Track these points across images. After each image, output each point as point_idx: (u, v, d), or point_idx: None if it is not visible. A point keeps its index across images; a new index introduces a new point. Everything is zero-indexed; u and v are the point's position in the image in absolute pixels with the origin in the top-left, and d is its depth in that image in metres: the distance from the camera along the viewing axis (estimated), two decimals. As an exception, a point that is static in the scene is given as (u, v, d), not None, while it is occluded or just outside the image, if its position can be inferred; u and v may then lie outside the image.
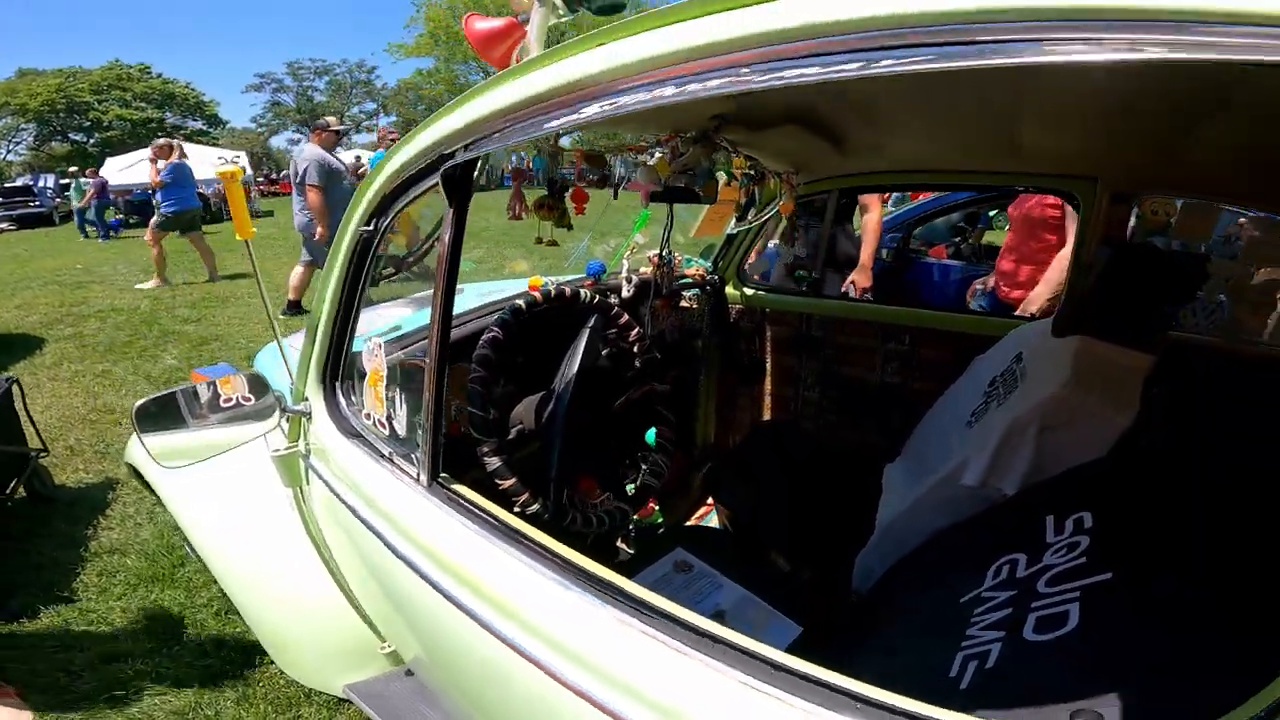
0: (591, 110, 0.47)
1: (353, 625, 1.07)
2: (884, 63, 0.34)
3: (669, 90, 0.43)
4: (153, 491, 1.22)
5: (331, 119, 4.27)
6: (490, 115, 0.56)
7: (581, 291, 1.03)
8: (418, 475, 0.70)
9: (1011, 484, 0.88)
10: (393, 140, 2.37)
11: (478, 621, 0.60)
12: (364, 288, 0.78)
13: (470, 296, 1.25)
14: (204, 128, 29.03)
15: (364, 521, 0.72)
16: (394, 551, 0.69)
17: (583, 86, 0.48)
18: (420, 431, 0.69)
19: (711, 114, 0.85)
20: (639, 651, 0.48)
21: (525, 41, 0.57)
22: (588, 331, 1.01)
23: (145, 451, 0.89)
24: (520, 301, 0.98)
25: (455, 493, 0.68)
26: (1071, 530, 0.70)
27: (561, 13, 0.58)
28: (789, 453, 1.53)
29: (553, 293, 0.99)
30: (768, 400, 1.58)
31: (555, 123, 0.50)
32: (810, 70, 0.37)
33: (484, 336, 0.90)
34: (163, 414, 0.90)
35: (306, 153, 3.84)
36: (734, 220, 1.37)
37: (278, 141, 34.76)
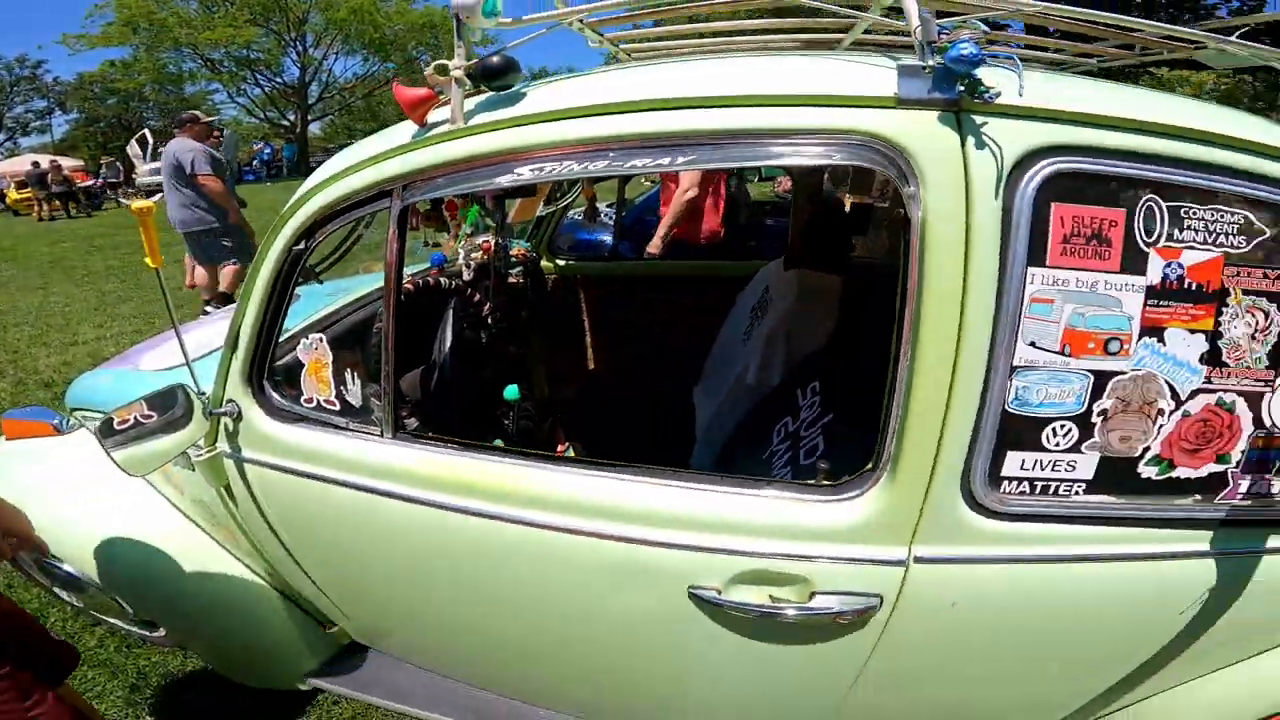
0: (525, 171, 0.91)
1: (292, 618, 1.28)
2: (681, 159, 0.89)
3: (573, 165, 0.90)
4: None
5: (198, 112, 4.79)
6: (435, 164, 0.94)
7: (443, 280, 1.39)
8: (381, 431, 1.03)
9: (776, 376, 1.62)
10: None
11: (466, 512, 0.99)
12: (290, 298, 1.02)
13: (315, 297, 1.46)
14: None
15: (337, 481, 1.01)
16: (372, 491, 1.01)
17: (515, 153, 0.91)
18: (378, 399, 1.02)
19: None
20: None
21: (449, 110, 0.94)
22: (451, 311, 1.40)
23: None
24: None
25: (416, 434, 1.04)
26: (810, 394, 1.43)
27: (469, 88, 0.97)
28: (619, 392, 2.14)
29: (422, 284, 1.34)
30: (590, 354, 2.16)
31: (494, 179, 0.92)
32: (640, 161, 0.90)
33: (376, 325, 1.22)
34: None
35: (184, 147, 4.12)
36: (543, 204, 1.85)
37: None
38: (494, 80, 0.97)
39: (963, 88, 0.80)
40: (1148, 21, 1.03)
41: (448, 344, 1.37)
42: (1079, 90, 0.88)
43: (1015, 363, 0.84)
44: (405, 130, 1.00)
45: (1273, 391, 0.86)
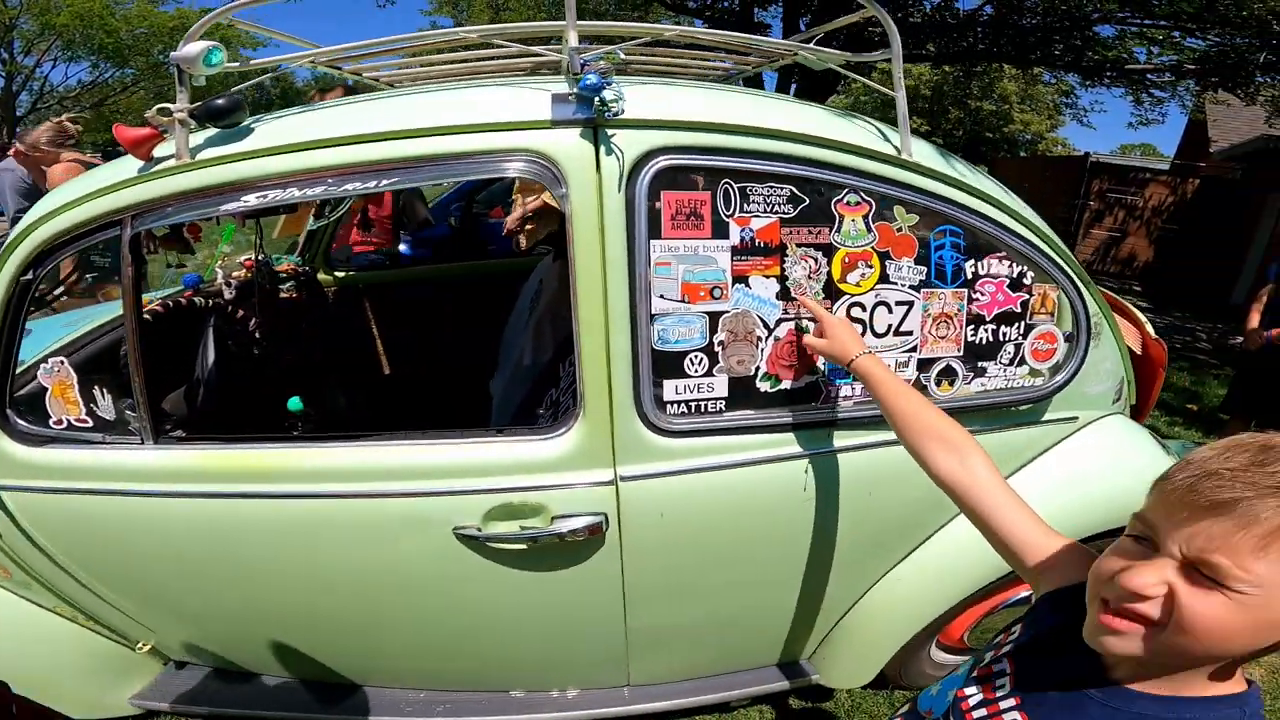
0: (250, 199, 1.22)
1: (93, 643, 1.45)
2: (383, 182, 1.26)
3: (294, 191, 1.23)
4: None
5: None
6: (163, 196, 1.22)
7: (196, 300, 1.63)
8: (142, 439, 1.27)
9: (546, 354, 2.03)
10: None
11: (239, 496, 1.27)
12: (22, 328, 1.23)
13: (51, 329, 1.63)
14: None
15: (102, 492, 1.23)
16: (142, 495, 1.25)
17: (240, 184, 1.22)
18: (133, 410, 1.26)
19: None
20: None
21: (175, 147, 1.22)
22: (211, 330, 1.65)
23: None
24: (144, 316, 1.53)
25: (180, 436, 1.30)
26: (568, 365, 1.84)
27: (193, 127, 1.25)
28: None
29: (173, 304, 1.57)
30: (384, 359, 2.45)
31: (221, 207, 1.22)
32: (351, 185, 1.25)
33: (124, 346, 1.45)
34: None
35: None
36: (313, 218, 2.13)
37: None
38: (219, 120, 1.28)
39: (595, 108, 1.24)
40: (754, 37, 1.56)
41: (210, 359, 1.61)
42: (685, 100, 1.33)
43: (653, 311, 1.30)
44: (134, 163, 1.27)
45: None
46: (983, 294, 1.47)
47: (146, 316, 1.55)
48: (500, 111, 1.27)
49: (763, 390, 1.38)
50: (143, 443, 1.29)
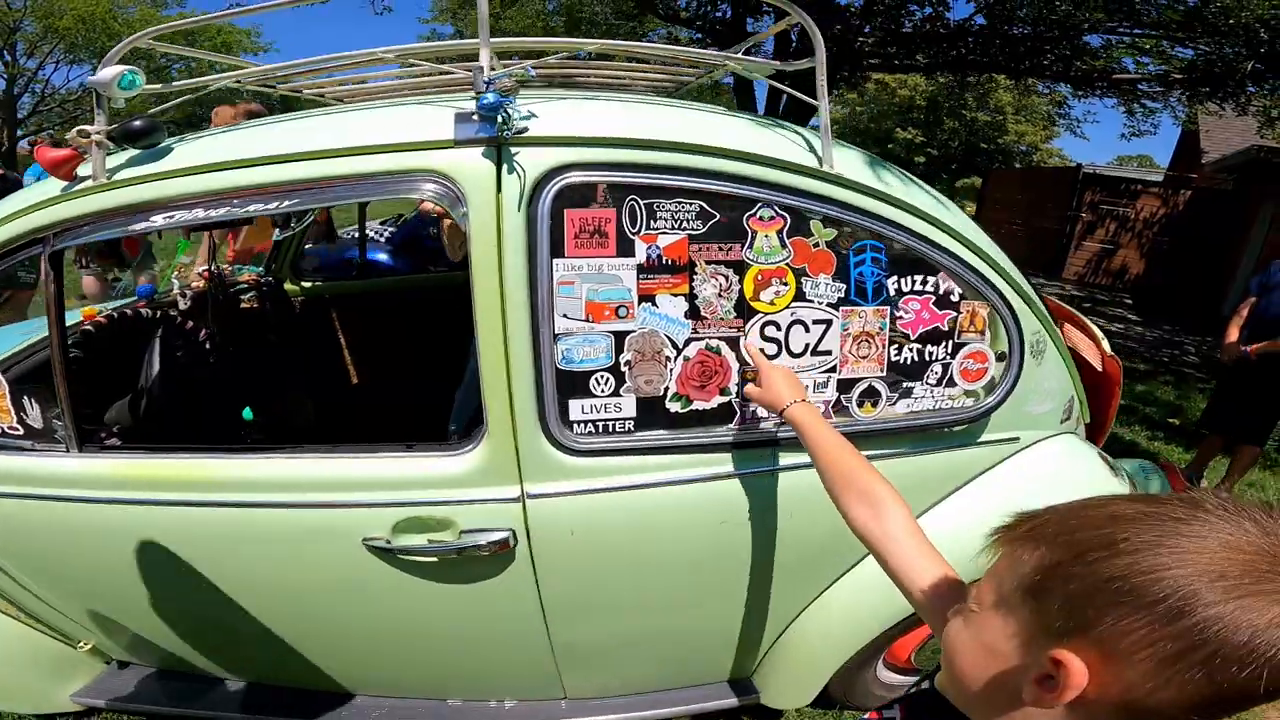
0: (158, 219, 1.25)
1: (40, 643, 1.51)
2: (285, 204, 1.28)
3: (199, 212, 1.26)
4: None
5: None
6: (81, 215, 1.26)
7: (142, 311, 1.69)
8: (67, 447, 1.32)
9: None
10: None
11: (157, 504, 1.31)
12: None
13: (14, 335, 1.70)
14: None
15: (30, 496, 1.29)
16: (66, 500, 1.30)
17: (153, 203, 1.26)
18: (59, 419, 1.32)
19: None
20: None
21: (93, 168, 1.26)
22: (158, 341, 1.70)
23: None
24: (88, 327, 1.59)
25: (102, 444, 1.34)
26: None
27: (111, 149, 1.29)
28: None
29: (115, 317, 1.63)
30: (352, 368, 2.50)
31: (136, 226, 1.26)
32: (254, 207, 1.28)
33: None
34: None
35: None
36: (278, 231, 2.18)
37: None
38: (136, 141, 1.31)
39: (497, 126, 1.24)
40: (683, 49, 1.55)
41: (155, 370, 1.66)
42: (595, 115, 1.35)
43: (556, 331, 1.30)
44: (56, 184, 1.32)
45: (744, 336, 1.37)
46: (907, 312, 1.44)
47: (90, 328, 1.61)
48: (407, 132, 1.29)
49: (673, 411, 1.38)
50: (67, 451, 1.34)
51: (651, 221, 1.32)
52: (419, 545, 1.35)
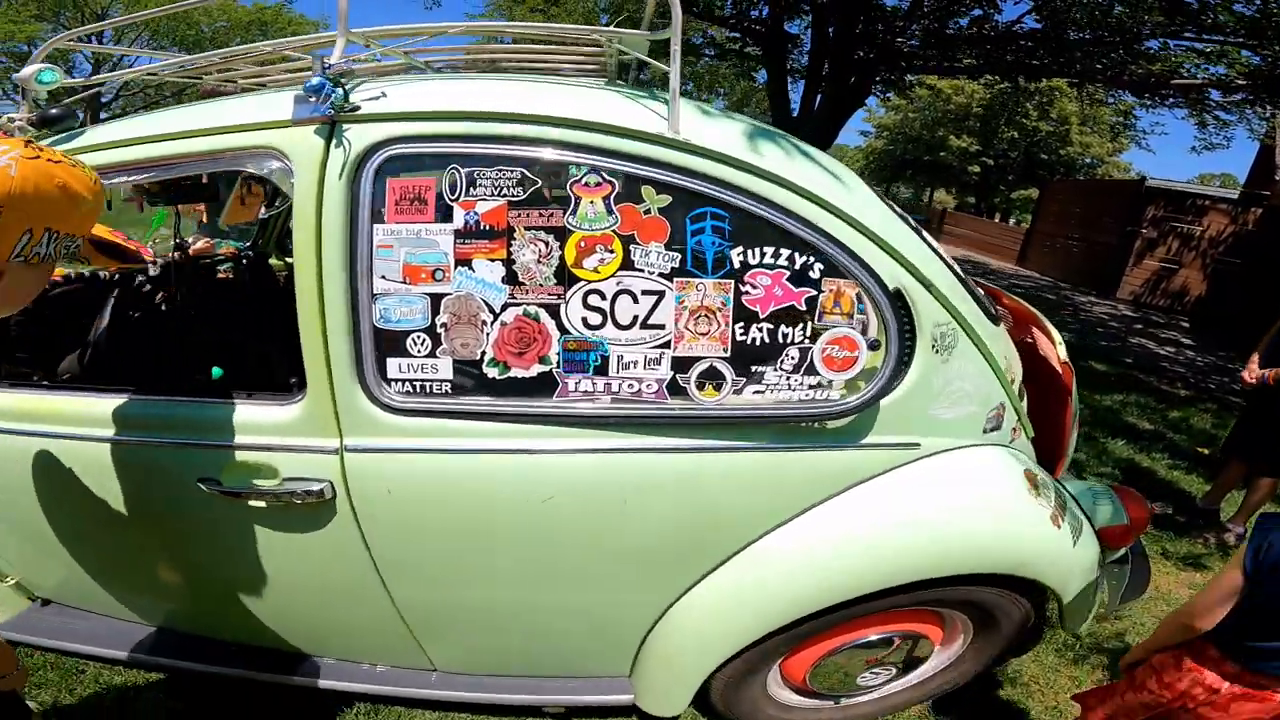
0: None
1: None
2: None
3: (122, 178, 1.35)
4: None
5: None
6: None
7: (101, 274, 1.84)
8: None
9: None
10: None
11: (33, 435, 1.40)
12: None
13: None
14: None
15: None
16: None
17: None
18: None
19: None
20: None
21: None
22: (111, 300, 1.84)
23: None
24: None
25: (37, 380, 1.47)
26: None
27: (32, 134, 1.43)
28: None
29: (71, 276, 1.79)
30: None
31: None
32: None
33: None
34: None
35: None
36: (265, 207, 2.33)
37: None
38: (52, 127, 1.44)
39: (330, 106, 1.25)
40: (560, 25, 1.49)
41: (104, 325, 1.80)
42: (428, 92, 1.28)
43: (375, 291, 1.28)
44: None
45: (565, 303, 1.29)
46: (755, 287, 1.30)
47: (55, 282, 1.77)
48: (259, 113, 1.30)
49: (491, 377, 1.31)
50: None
51: (471, 189, 1.24)
52: (244, 487, 1.32)
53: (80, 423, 1.39)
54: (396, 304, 1.27)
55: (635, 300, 1.27)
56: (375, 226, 1.24)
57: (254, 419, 1.34)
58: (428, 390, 1.31)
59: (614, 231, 1.25)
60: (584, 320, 1.28)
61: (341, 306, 1.26)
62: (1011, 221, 27.24)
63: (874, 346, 1.35)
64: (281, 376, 1.80)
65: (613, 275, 1.26)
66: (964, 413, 1.52)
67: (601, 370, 1.30)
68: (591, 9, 14.01)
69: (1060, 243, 13.96)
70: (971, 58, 8.51)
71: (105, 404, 1.39)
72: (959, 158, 25.66)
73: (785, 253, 1.29)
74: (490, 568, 1.45)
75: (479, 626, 1.58)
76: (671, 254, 1.26)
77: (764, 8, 9.35)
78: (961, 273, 1.68)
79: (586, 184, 1.24)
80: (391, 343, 1.28)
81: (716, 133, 1.31)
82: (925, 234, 1.60)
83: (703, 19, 10.44)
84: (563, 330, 1.28)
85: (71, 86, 1.48)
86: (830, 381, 1.36)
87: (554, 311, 1.27)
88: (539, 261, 1.26)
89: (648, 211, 1.25)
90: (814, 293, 1.31)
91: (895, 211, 1.49)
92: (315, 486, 1.32)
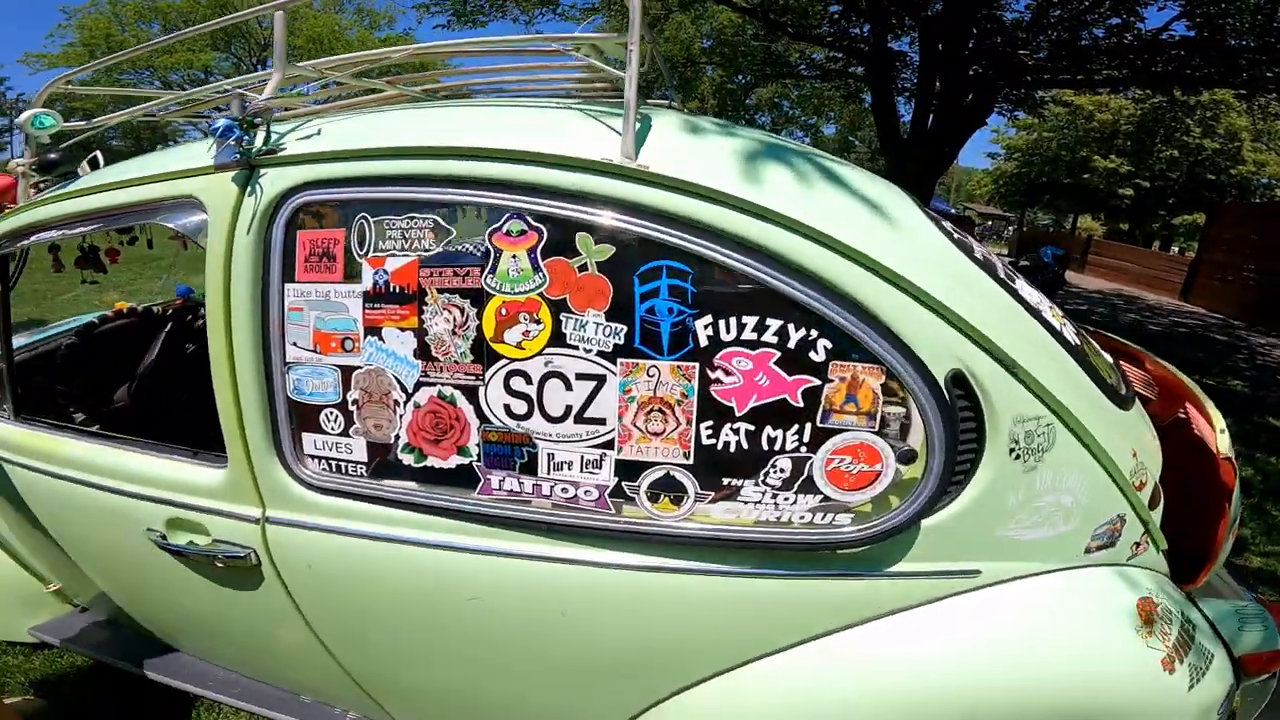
0: (53, 234, 1.36)
1: (16, 576, 1.84)
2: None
3: (65, 230, 1.34)
4: None
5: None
6: (7, 231, 1.44)
7: (154, 308, 1.91)
8: (9, 415, 1.53)
9: None
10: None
11: (36, 471, 1.43)
12: None
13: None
14: None
15: None
16: (11, 464, 1.51)
17: (43, 223, 1.38)
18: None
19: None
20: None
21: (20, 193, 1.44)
22: (163, 334, 1.90)
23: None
24: (94, 318, 1.84)
25: (39, 419, 1.53)
26: None
27: (34, 179, 1.46)
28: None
29: (125, 310, 1.87)
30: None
31: (20, 243, 1.38)
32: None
33: (64, 343, 1.75)
34: None
35: None
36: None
37: None
38: (51, 171, 1.45)
39: (237, 149, 1.09)
40: (522, 37, 1.21)
41: (151, 360, 1.86)
42: (343, 127, 1.08)
43: (288, 359, 1.10)
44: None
45: (484, 385, 1.01)
46: (729, 373, 0.94)
47: (94, 320, 1.86)
48: (183, 160, 1.19)
49: (406, 463, 1.08)
50: (8, 418, 1.53)
51: (381, 242, 0.99)
52: (181, 545, 1.23)
53: (63, 463, 1.38)
54: (308, 375, 1.09)
55: (568, 386, 0.98)
56: (287, 286, 1.07)
57: (191, 478, 1.24)
58: (343, 470, 1.12)
59: (541, 295, 0.96)
60: (506, 408, 1.00)
61: (253, 376, 1.10)
62: (1174, 250, 22.47)
63: (907, 460, 0.93)
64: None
65: (539, 353, 0.97)
66: (1055, 534, 1.04)
67: (529, 469, 1.02)
68: (693, 35, 13.50)
69: (1233, 275, 11.31)
70: (1112, 69, 7.04)
71: (77, 447, 1.37)
72: (1107, 180, 21.57)
73: (774, 324, 0.92)
74: (427, 653, 1.24)
75: (433, 701, 1.38)
76: (614, 326, 0.95)
77: (864, 25, 8.25)
78: (1078, 337, 1.17)
79: (508, 233, 0.96)
80: (306, 417, 1.11)
81: (698, 155, 0.97)
82: (1021, 283, 1.12)
83: (799, 39, 9.53)
84: (482, 418, 1.02)
85: (71, 130, 1.48)
86: (837, 501, 0.96)
87: (472, 394, 1.01)
88: (453, 333, 1.00)
89: (583, 268, 0.94)
90: (816, 382, 0.92)
91: (974, 252, 1.05)
92: (240, 552, 1.18)
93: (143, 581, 1.49)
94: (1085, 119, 21.65)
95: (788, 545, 0.97)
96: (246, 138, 1.05)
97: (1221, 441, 1.35)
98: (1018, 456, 0.99)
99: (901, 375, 0.91)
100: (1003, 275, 1.07)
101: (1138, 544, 1.15)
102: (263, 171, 1.07)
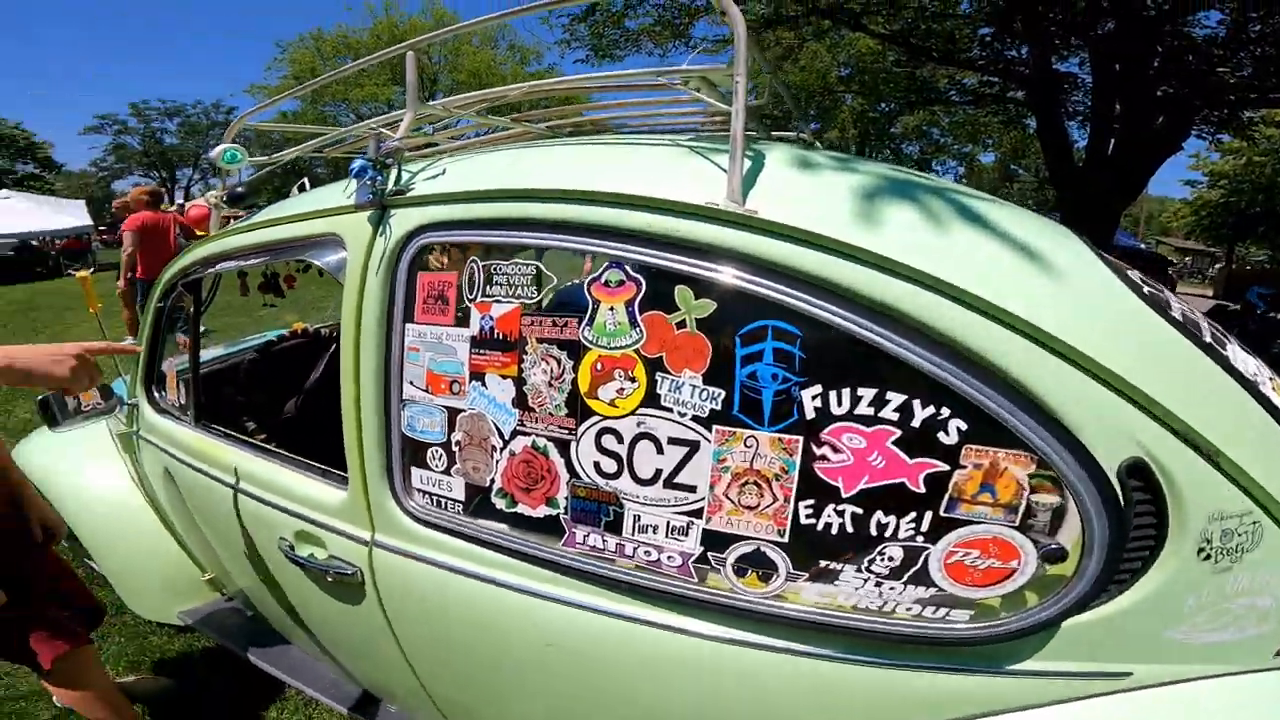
0: (230, 264, 1.55)
1: (178, 561, 2.08)
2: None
3: (238, 262, 1.51)
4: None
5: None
6: (191, 262, 1.65)
7: (324, 329, 2.13)
8: (190, 421, 1.76)
9: None
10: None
11: (196, 470, 1.62)
12: (163, 334, 1.86)
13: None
14: (36, 171, 31.81)
15: (164, 450, 1.77)
16: (176, 459, 1.74)
17: (221, 255, 1.57)
18: (186, 395, 1.75)
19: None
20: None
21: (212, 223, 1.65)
22: (328, 354, 2.10)
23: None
24: (272, 336, 2.08)
25: (213, 426, 1.74)
26: None
27: (225, 210, 1.67)
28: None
29: (298, 331, 2.10)
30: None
31: (229, 265, 1.58)
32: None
33: (246, 358, 1.99)
34: (48, 408, 1.98)
35: None
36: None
37: (123, 185, 40.49)
38: (238, 204, 1.65)
39: (372, 190, 1.15)
40: (613, 73, 1.17)
41: (315, 377, 2.06)
42: (464, 167, 1.12)
43: (404, 396, 1.14)
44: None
45: (576, 440, 0.98)
46: (838, 449, 0.84)
47: (272, 339, 2.09)
48: (331, 198, 1.29)
49: (499, 508, 1.08)
50: (189, 423, 1.75)
51: (488, 287, 1.01)
52: (303, 557, 1.32)
53: (224, 468, 1.53)
54: (420, 413, 1.13)
55: (659, 449, 0.92)
56: (407, 326, 1.11)
57: (318, 495, 1.33)
58: (444, 506, 1.14)
59: (637, 352, 0.92)
60: (596, 465, 0.97)
61: (374, 408, 1.16)
62: None
63: (1054, 559, 0.78)
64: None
65: (633, 412, 0.93)
66: (1243, 636, 0.83)
67: (614, 527, 0.98)
68: (829, 64, 12.80)
69: None
70: None
71: (236, 455, 1.52)
72: None
73: (896, 398, 0.80)
74: (501, 689, 1.23)
75: None
76: (712, 390, 0.88)
77: (1022, 47, 7.37)
78: None
79: (606, 283, 0.93)
80: (416, 452, 1.15)
81: (817, 196, 0.89)
82: (1234, 348, 0.91)
83: (947, 64, 8.65)
84: (572, 473, 0.99)
85: (257, 163, 1.67)
86: (958, 598, 0.82)
87: (564, 448, 0.99)
88: (550, 384, 0.99)
89: (682, 324, 0.89)
90: (943, 467, 0.80)
91: (1169, 308, 0.87)
92: (349, 570, 1.25)
93: (270, 582, 1.60)
94: (1308, 140, 18.20)
95: (884, 635, 0.84)
96: (379, 178, 1.11)
97: None
98: (1208, 557, 0.80)
99: (1056, 465, 0.75)
100: (1209, 339, 0.87)
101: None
102: (393, 212, 1.12)
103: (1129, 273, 0.90)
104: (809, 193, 0.92)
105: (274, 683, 1.79)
